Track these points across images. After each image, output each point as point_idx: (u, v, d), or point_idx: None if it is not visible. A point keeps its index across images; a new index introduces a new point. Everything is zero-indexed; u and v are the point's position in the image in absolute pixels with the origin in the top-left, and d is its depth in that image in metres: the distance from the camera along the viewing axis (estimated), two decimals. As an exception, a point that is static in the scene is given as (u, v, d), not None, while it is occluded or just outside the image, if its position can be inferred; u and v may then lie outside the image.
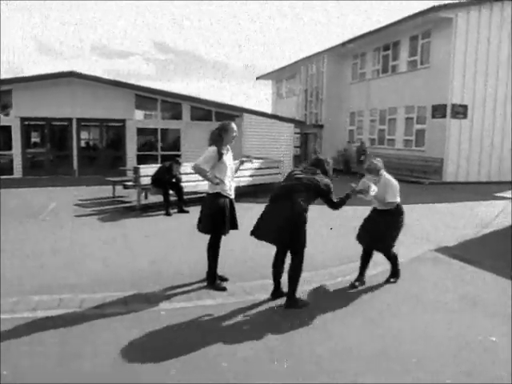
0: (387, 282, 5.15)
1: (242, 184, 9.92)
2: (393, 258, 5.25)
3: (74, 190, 12.50)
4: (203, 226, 4.81)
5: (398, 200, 4.98)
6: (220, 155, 4.69)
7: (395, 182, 4.97)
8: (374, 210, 5.16)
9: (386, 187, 4.88)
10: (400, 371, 3.20)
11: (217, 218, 4.70)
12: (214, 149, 4.70)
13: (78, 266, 5.51)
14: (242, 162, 5.21)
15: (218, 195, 4.72)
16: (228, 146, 4.89)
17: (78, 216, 8.86)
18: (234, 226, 4.93)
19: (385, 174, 4.99)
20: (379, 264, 5.84)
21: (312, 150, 23.72)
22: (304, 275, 4.49)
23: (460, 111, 16.82)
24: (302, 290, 4.75)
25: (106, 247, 6.48)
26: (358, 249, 5.20)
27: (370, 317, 4.16)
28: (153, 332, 3.74)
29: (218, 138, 4.74)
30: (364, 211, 5.36)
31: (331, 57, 23.25)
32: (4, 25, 71.52)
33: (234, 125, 4.85)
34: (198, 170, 4.72)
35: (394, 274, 5.28)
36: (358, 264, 5.18)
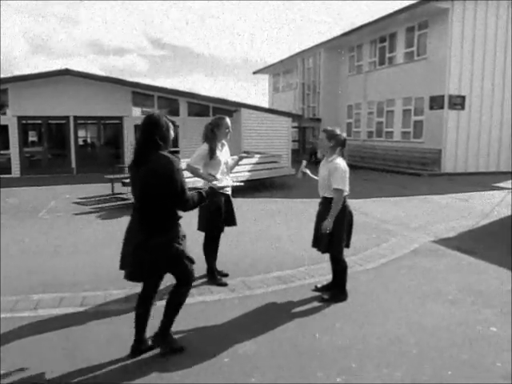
0: (322, 300, 4.34)
1: (240, 179, 9.87)
2: (340, 268, 4.40)
3: (73, 188, 12.48)
4: (199, 223, 4.80)
5: (347, 189, 4.23)
6: (212, 152, 4.62)
7: (345, 169, 4.21)
8: (321, 203, 4.42)
9: (333, 171, 4.15)
10: (401, 363, 3.21)
11: (212, 215, 4.68)
12: (206, 146, 4.65)
13: (78, 264, 5.51)
14: (240, 158, 5.11)
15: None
16: (224, 141, 4.84)
17: (77, 214, 8.85)
18: (233, 223, 4.91)
19: (337, 156, 4.25)
20: (383, 256, 5.86)
21: (310, 143, 23.74)
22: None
23: (458, 102, 16.81)
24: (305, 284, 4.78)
25: (106, 245, 6.48)
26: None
27: (370, 309, 4.17)
28: (154, 329, 3.74)
29: (211, 134, 4.67)
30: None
31: (328, 50, 23.18)
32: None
33: (227, 120, 4.75)
34: (190, 169, 4.69)
35: (334, 287, 4.48)
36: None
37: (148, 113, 3.20)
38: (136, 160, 3.11)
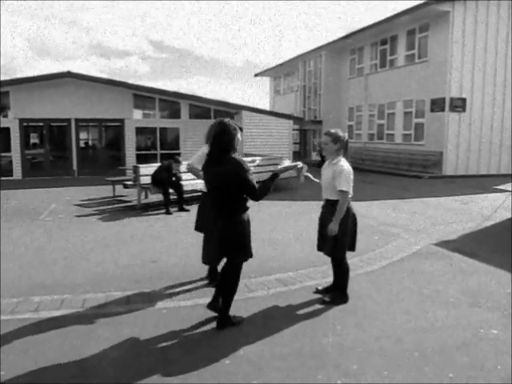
0: (324, 302, 4.32)
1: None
2: (341, 271, 4.38)
3: (74, 191, 12.50)
4: (196, 224, 4.81)
5: (351, 191, 4.18)
6: None
7: (350, 171, 4.19)
8: (324, 205, 4.39)
9: (339, 173, 4.11)
10: (402, 365, 3.20)
11: None
12: (207, 147, 4.68)
13: (79, 266, 5.52)
14: None
15: None
16: None
17: (78, 216, 8.87)
18: None
19: (341, 159, 4.23)
20: (384, 258, 5.85)
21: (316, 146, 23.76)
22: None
23: (458, 104, 16.81)
24: (304, 286, 4.78)
25: (107, 247, 6.49)
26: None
27: (371, 311, 4.17)
28: (155, 330, 3.75)
29: None
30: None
31: (329, 52, 23.21)
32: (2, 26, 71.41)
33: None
34: (191, 169, 4.73)
35: (335, 289, 4.47)
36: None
37: (219, 120, 3.68)
38: (209, 162, 3.67)
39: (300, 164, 3.92)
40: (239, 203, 3.65)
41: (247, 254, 3.79)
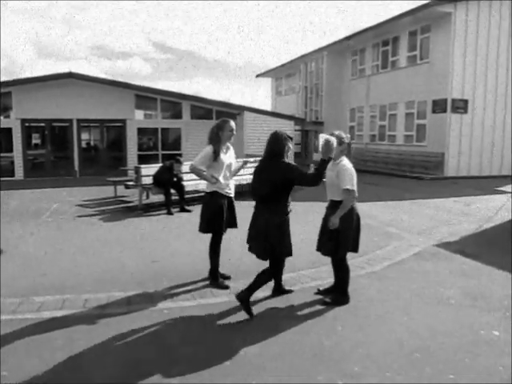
0: (325, 303, 4.34)
1: (243, 183, 9.88)
2: (342, 272, 4.40)
3: (76, 191, 12.52)
4: (201, 225, 4.82)
5: (356, 190, 4.18)
6: (216, 154, 4.68)
7: (352, 170, 4.21)
8: (328, 206, 4.39)
9: (342, 172, 4.13)
10: (403, 366, 3.20)
11: (214, 216, 4.70)
12: (210, 148, 4.71)
13: (80, 266, 5.52)
14: (245, 163, 5.20)
15: (216, 194, 4.73)
16: (228, 144, 4.88)
17: (80, 216, 8.88)
18: (234, 225, 4.93)
19: (344, 159, 4.26)
20: (385, 259, 5.85)
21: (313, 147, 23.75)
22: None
23: (460, 106, 16.79)
24: (307, 287, 4.79)
25: (109, 247, 6.50)
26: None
27: (372, 312, 4.17)
28: (156, 331, 3.75)
29: (215, 137, 4.73)
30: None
31: (330, 53, 23.21)
32: (3, 27, 71.57)
33: (231, 123, 4.80)
34: (193, 170, 4.74)
35: (336, 290, 4.49)
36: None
37: (274, 131, 4.15)
38: (261, 168, 4.11)
39: (332, 138, 3.89)
40: (282, 207, 4.02)
41: (279, 252, 4.06)
